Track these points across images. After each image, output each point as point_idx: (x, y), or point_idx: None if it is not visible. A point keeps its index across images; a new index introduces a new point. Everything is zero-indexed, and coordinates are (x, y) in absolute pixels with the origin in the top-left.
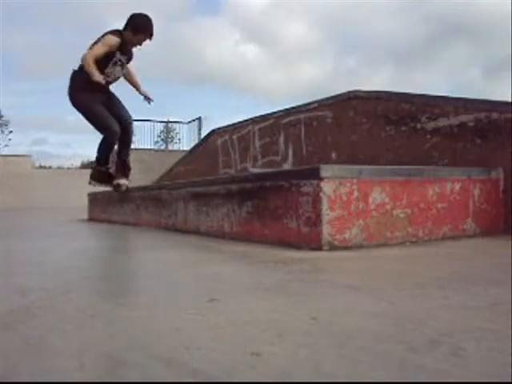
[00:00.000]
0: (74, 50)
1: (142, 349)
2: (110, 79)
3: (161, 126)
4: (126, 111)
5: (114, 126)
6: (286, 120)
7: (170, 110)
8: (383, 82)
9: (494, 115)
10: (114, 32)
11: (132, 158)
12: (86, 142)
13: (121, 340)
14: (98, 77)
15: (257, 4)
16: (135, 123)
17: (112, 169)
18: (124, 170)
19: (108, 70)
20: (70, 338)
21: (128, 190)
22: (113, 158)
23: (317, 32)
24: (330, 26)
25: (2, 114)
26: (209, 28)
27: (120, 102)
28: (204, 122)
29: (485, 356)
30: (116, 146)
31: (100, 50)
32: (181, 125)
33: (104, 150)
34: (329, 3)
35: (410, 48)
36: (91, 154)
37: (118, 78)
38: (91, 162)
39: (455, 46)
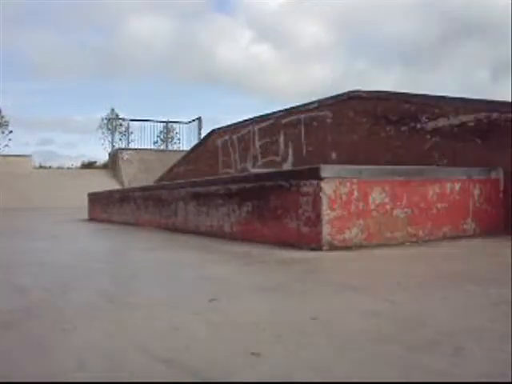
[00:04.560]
0: (86, 50)
1: (143, 349)
2: None
3: (160, 126)
4: None
5: None
6: (286, 120)
7: (179, 110)
8: (393, 83)
9: (494, 115)
10: None
11: (133, 158)
12: (90, 142)
13: (121, 340)
14: None
15: (271, 3)
16: (136, 123)
17: None
18: None
19: None
20: (71, 337)
21: None
22: None
23: (330, 33)
24: (344, 26)
25: (3, 114)
26: (222, 26)
27: None
28: (212, 123)
29: (485, 356)
30: None
31: None
32: (181, 125)
33: None
34: (343, 3)
35: (420, 49)
36: (95, 154)
37: None
38: (92, 162)
39: (466, 46)
